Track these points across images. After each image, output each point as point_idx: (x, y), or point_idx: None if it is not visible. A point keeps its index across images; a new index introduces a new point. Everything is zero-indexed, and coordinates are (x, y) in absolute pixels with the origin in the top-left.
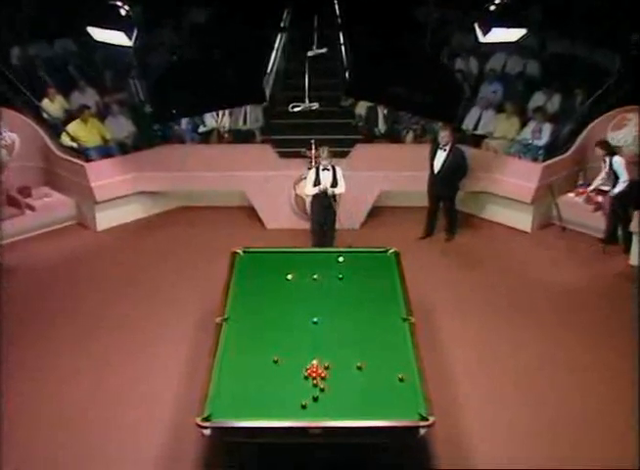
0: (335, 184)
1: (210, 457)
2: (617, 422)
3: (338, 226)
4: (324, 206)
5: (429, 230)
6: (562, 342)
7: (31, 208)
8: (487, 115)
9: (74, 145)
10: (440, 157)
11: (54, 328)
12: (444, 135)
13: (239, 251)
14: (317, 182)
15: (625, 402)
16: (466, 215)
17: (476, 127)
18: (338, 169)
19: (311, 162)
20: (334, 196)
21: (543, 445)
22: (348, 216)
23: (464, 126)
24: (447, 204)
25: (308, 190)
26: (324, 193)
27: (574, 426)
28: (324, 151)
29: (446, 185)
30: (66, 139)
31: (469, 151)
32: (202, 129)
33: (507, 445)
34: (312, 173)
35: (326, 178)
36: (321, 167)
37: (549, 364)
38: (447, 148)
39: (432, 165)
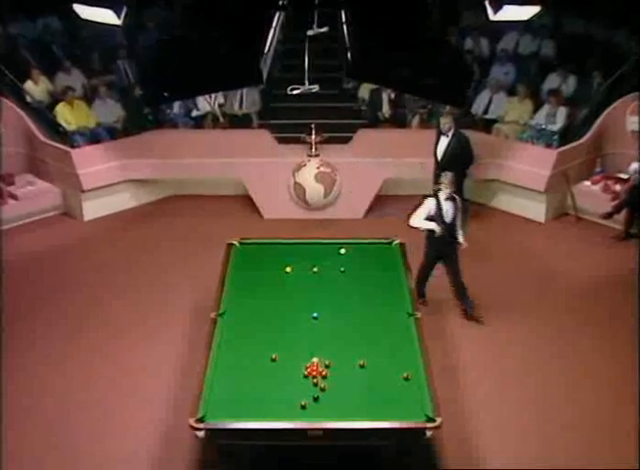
0: (456, 219)
1: (205, 461)
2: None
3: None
4: (444, 244)
5: None
6: (575, 338)
7: (14, 196)
8: (498, 98)
9: (70, 127)
10: (443, 143)
11: (39, 325)
12: (445, 121)
13: (235, 242)
14: (438, 215)
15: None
16: (476, 205)
17: (486, 111)
18: (459, 201)
19: (311, 148)
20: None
21: (555, 445)
22: (351, 206)
23: (473, 110)
24: None
25: (418, 221)
26: (447, 231)
27: (591, 425)
28: (446, 176)
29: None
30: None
31: (479, 136)
32: (195, 113)
33: (517, 446)
34: (431, 203)
35: (448, 212)
36: (442, 195)
37: (561, 361)
38: (450, 134)
39: (435, 153)
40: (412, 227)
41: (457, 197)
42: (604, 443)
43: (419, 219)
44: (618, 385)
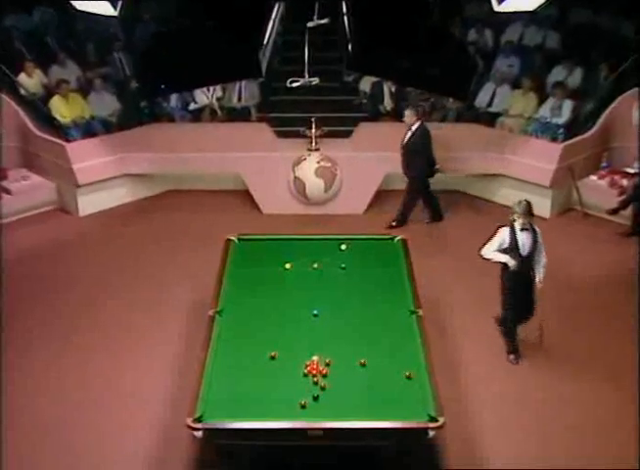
0: (535, 253)
1: (203, 461)
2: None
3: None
4: (523, 283)
5: (432, 214)
6: (581, 336)
7: (8, 191)
8: (502, 91)
9: (65, 121)
10: (407, 136)
11: (33, 323)
12: (408, 114)
13: (233, 238)
14: (513, 247)
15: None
16: (479, 200)
17: (490, 105)
18: (538, 229)
19: (311, 142)
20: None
21: (557, 445)
22: (352, 201)
23: (477, 104)
24: (409, 186)
25: (490, 253)
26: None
27: (593, 425)
28: (520, 205)
29: (408, 166)
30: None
31: (482, 130)
32: (192, 106)
33: (521, 446)
34: (505, 233)
35: (525, 244)
36: (517, 225)
37: (567, 360)
38: (414, 127)
39: (401, 145)
40: (484, 259)
41: (537, 228)
42: (605, 442)
43: (491, 251)
44: (620, 384)
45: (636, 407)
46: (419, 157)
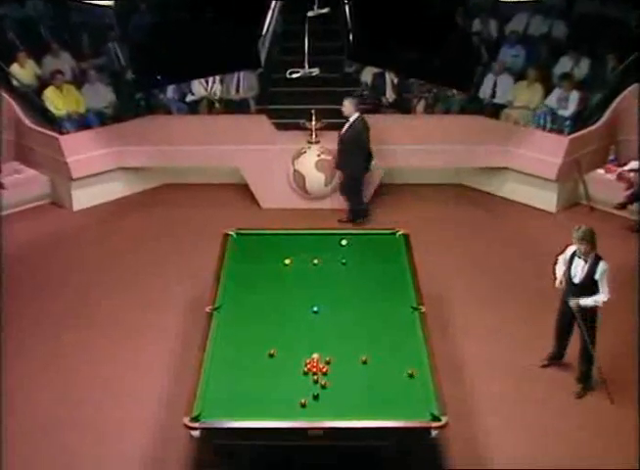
0: (591, 283)
1: (200, 461)
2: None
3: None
4: (567, 314)
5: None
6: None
7: (0, 185)
8: (503, 80)
9: (59, 113)
10: (345, 127)
11: (26, 321)
12: (346, 105)
13: (231, 232)
14: (567, 269)
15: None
16: (483, 194)
17: (493, 95)
18: (602, 265)
19: (311, 134)
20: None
21: (564, 445)
22: None
23: (481, 95)
24: (344, 180)
25: (559, 265)
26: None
27: (599, 426)
28: (577, 230)
29: (343, 159)
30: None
31: (487, 122)
32: (190, 98)
33: (526, 446)
34: (568, 252)
35: (577, 271)
36: (577, 252)
37: (569, 358)
38: (352, 118)
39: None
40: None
41: (601, 263)
42: (605, 443)
43: (559, 264)
44: (621, 383)
45: (636, 407)
46: (355, 150)
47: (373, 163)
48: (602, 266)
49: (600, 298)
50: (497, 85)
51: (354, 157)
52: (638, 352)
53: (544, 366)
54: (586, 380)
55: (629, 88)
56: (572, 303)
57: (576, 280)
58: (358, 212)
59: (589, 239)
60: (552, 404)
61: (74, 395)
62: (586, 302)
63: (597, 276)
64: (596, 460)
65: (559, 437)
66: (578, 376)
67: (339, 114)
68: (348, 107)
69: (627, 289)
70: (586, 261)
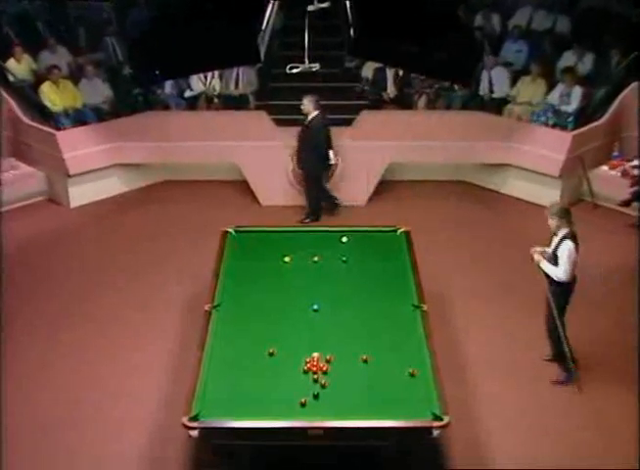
0: (555, 260)
1: (199, 461)
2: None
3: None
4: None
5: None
6: (585, 332)
7: None
8: (497, 73)
9: (55, 108)
10: (302, 127)
11: (22, 320)
12: (306, 103)
13: (230, 230)
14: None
15: None
16: (485, 191)
17: (491, 90)
18: (565, 243)
19: None
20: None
21: (564, 445)
22: (353, 192)
23: (481, 91)
24: (304, 182)
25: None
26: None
27: (599, 425)
28: (551, 206)
29: (302, 158)
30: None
31: (489, 118)
32: (188, 94)
33: (527, 446)
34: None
35: (551, 249)
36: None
37: (577, 356)
38: (310, 117)
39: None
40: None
41: (566, 239)
42: (605, 443)
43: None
44: (622, 383)
45: (636, 407)
46: (314, 148)
47: (333, 160)
48: (565, 245)
49: (555, 271)
50: (493, 79)
51: (312, 155)
52: (638, 352)
53: (548, 360)
54: (561, 360)
55: (634, 83)
56: (532, 251)
57: (546, 255)
58: (314, 211)
59: (559, 215)
60: (553, 404)
61: (73, 394)
62: (542, 263)
63: (558, 252)
64: (596, 460)
65: (559, 437)
66: (551, 356)
67: (340, 109)
68: (308, 105)
69: (630, 285)
70: (557, 238)
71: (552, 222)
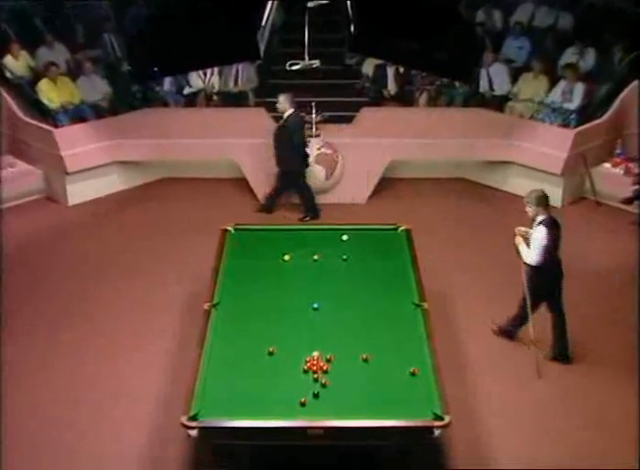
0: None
1: (198, 461)
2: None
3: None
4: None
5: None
6: (591, 330)
7: None
8: (497, 70)
9: (53, 105)
10: (278, 125)
11: (20, 319)
12: (281, 101)
13: (229, 228)
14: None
15: None
16: (486, 188)
17: (491, 87)
18: (538, 229)
19: (311, 127)
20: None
21: (564, 445)
22: (354, 189)
23: (481, 88)
24: (281, 178)
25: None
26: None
27: (599, 425)
28: (526, 197)
29: (280, 158)
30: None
31: (490, 115)
32: (187, 91)
33: (528, 446)
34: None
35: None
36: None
37: (578, 355)
38: (286, 115)
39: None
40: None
41: (539, 225)
42: (605, 442)
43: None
44: (623, 382)
45: (636, 407)
46: (291, 148)
47: (311, 159)
48: (538, 231)
49: (526, 253)
50: (492, 76)
51: (290, 155)
52: (638, 352)
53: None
54: (509, 333)
55: (637, 80)
56: (516, 230)
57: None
58: (309, 208)
59: (534, 203)
60: (554, 404)
61: (71, 394)
62: (521, 245)
63: (532, 237)
64: (596, 460)
65: (559, 437)
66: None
67: (340, 106)
68: (283, 103)
69: (631, 283)
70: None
71: (529, 210)
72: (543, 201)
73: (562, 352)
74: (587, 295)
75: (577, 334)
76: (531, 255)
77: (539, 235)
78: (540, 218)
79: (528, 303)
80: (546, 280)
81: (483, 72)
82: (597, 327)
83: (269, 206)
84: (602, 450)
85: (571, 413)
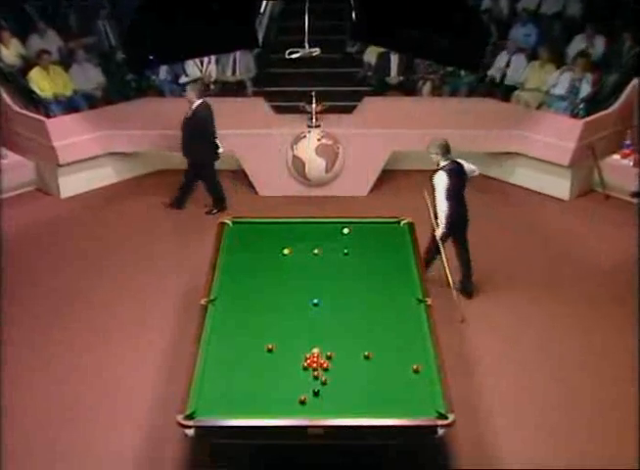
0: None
1: (194, 461)
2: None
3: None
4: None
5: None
6: (600, 328)
7: None
8: (517, 60)
9: (45, 95)
10: (186, 115)
11: (12, 315)
12: (189, 90)
13: (227, 221)
14: None
15: None
16: (492, 180)
17: (504, 76)
18: (437, 175)
19: (311, 118)
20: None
21: (564, 445)
22: (355, 181)
23: (490, 75)
24: (188, 169)
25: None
26: None
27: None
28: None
29: (187, 148)
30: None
31: (497, 105)
32: (183, 80)
33: (536, 445)
34: None
35: None
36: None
37: (585, 353)
38: (194, 105)
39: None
40: None
41: (438, 171)
42: (605, 442)
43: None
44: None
45: (636, 407)
46: (199, 138)
47: (221, 149)
48: (438, 176)
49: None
50: (510, 65)
51: (198, 145)
52: (638, 351)
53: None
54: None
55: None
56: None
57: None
58: (217, 202)
59: (436, 150)
60: (555, 404)
61: (66, 393)
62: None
63: (434, 181)
64: (596, 460)
65: (560, 436)
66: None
67: (341, 96)
68: (191, 93)
69: (635, 281)
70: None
71: (433, 157)
72: (445, 149)
73: (466, 288)
74: (593, 288)
75: (587, 330)
76: (439, 201)
77: (439, 180)
78: (442, 165)
79: (440, 245)
80: (454, 219)
81: (503, 60)
82: (596, 325)
83: (181, 200)
84: (600, 450)
85: (572, 413)
